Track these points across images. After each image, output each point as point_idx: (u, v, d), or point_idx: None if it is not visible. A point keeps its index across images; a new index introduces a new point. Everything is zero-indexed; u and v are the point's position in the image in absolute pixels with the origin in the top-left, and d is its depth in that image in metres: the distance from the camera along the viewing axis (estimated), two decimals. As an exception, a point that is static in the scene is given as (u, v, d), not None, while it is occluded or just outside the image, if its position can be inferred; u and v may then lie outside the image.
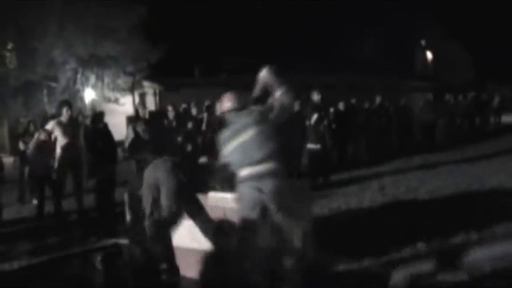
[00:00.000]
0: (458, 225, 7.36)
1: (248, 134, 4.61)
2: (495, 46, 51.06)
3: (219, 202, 5.61)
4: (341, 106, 15.08)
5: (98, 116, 10.76)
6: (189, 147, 11.35)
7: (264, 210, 4.53)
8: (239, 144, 4.66)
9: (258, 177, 4.51)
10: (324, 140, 11.46)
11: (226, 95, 5.20)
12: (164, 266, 5.70)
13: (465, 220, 7.67)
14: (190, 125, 12.14)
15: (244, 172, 4.60)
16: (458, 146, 17.44)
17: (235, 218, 4.95)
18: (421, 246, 6.46)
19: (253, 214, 4.56)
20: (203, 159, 6.06)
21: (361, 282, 5.54)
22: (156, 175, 5.53)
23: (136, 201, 5.97)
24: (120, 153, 10.98)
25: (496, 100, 25.56)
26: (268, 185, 4.49)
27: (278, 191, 4.50)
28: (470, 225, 7.26)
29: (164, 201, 5.43)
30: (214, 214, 5.61)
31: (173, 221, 5.44)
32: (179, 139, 11.35)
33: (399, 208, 8.89)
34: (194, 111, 13.20)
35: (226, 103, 5.11)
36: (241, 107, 5.00)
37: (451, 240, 6.73)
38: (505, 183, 10.57)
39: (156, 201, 5.54)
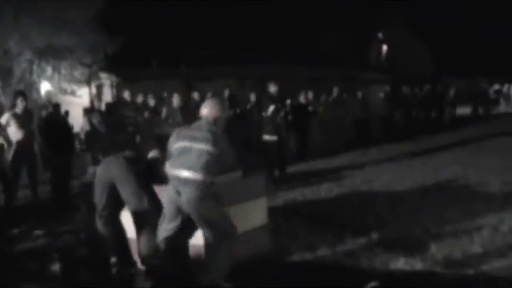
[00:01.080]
0: (413, 215, 7.55)
1: (198, 145, 4.73)
2: (451, 39, 52.18)
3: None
4: (298, 98, 15.15)
5: (55, 108, 10.58)
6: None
7: (179, 209, 4.80)
8: (187, 147, 4.78)
9: (183, 182, 4.71)
10: (280, 131, 11.48)
11: (215, 101, 5.31)
12: (114, 259, 5.68)
13: (419, 210, 7.87)
14: (146, 114, 12.07)
15: (176, 171, 4.79)
16: (414, 137, 17.76)
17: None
18: (375, 236, 6.58)
19: (169, 208, 4.90)
20: (154, 152, 6.00)
21: (315, 272, 5.62)
22: (110, 172, 5.48)
23: (90, 194, 5.91)
24: (77, 145, 10.84)
25: (451, 93, 26.10)
26: (186, 193, 4.68)
27: (192, 201, 4.69)
28: (424, 216, 7.45)
29: (128, 198, 5.41)
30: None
31: (150, 216, 5.40)
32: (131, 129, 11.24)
33: (355, 199, 9.01)
34: (151, 102, 13.11)
35: (215, 109, 5.06)
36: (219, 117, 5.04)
37: (405, 230, 6.88)
38: (459, 174, 10.86)
39: (109, 198, 5.50)
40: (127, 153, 5.66)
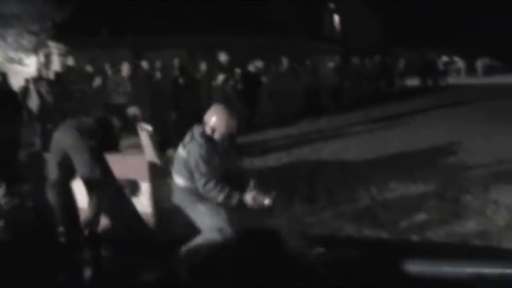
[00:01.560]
0: (360, 183, 7.64)
1: (191, 156, 4.39)
2: (401, 11, 52.73)
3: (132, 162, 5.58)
4: (248, 67, 15.07)
5: (2, 77, 10.28)
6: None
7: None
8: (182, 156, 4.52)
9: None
10: (230, 101, 11.44)
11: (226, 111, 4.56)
12: (62, 229, 5.56)
13: (367, 178, 7.96)
14: (96, 82, 11.83)
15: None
16: (364, 107, 17.92)
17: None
18: (323, 204, 6.63)
19: None
20: (133, 109, 5.89)
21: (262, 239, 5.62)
22: (62, 142, 5.35)
23: (39, 164, 5.78)
24: (24, 114, 10.54)
25: (401, 64, 26.46)
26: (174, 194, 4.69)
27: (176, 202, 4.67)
28: (371, 183, 7.55)
29: (80, 168, 5.29)
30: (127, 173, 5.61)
31: (102, 185, 5.30)
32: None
33: (304, 168, 9.05)
34: (109, 70, 12.88)
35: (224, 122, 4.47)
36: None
37: (353, 198, 6.97)
38: (407, 143, 11.05)
39: (61, 167, 5.38)
40: (78, 121, 5.52)
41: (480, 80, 35.03)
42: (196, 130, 4.48)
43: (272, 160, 9.70)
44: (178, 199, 4.61)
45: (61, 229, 5.58)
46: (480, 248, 5.20)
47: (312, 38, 37.29)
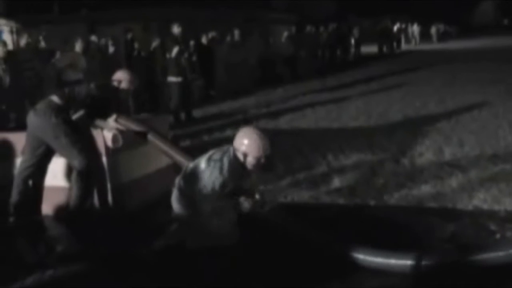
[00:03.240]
0: (316, 150, 7.70)
1: (211, 176, 4.13)
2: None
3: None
4: (201, 39, 14.95)
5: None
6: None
7: None
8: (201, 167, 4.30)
9: None
10: (185, 73, 11.35)
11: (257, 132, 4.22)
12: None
13: (322, 145, 8.04)
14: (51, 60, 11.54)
15: None
16: (319, 76, 18.00)
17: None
18: (280, 171, 6.66)
19: None
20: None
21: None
22: (33, 125, 5.28)
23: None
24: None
25: (355, 32, 26.61)
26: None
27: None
28: (327, 150, 7.61)
29: (60, 150, 5.31)
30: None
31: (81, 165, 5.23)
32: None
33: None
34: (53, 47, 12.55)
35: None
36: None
37: (309, 165, 7.02)
38: (362, 109, 11.20)
39: (34, 149, 5.33)
40: (47, 103, 5.39)
41: (435, 45, 35.50)
42: (228, 154, 4.18)
43: (229, 130, 9.67)
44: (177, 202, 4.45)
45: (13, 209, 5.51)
46: (435, 209, 5.30)
47: (266, 8, 37.15)
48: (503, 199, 5.40)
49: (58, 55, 11.87)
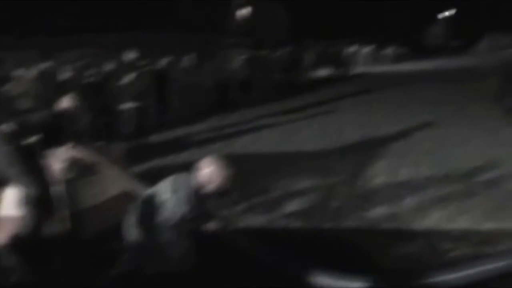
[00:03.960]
0: (271, 174, 7.72)
1: (171, 207, 4.12)
2: (311, 2, 53.61)
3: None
4: (157, 64, 14.91)
5: None
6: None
7: None
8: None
9: None
10: (140, 99, 11.29)
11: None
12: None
13: (277, 169, 8.08)
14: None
15: None
16: (274, 100, 18.07)
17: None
18: (235, 196, 6.65)
19: None
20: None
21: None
22: None
23: None
24: None
25: (310, 54, 26.89)
26: None
27: None
28: (282, 174, 7.65)
29: (13, 179, 5.10)
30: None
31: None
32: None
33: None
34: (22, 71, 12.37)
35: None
36: None
37: (265, 189, 7.03)
38: (316, 132, 11.33)
39: None
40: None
41: (388, 67, 36.12)
42: (190, 182, 4.22)
43: (184, 156, 9.63)
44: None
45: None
46: (390, 230, 5.37)
47: (221, 32, 37.39)
48: (456, 218, 5.52)
49: (11, 81, 11.70)
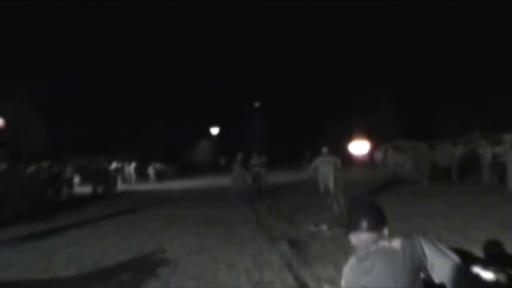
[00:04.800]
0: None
1: None
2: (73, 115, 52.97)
3: None
4: None
5: None
6: None
7: None
8: None
9: None
10: None
11: None
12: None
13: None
14: None
15: None
16: (27, 220, 16.72)
17: None
18: None
19: None
20: None
21: None
22: None
23: None
24: None
25: (69, 170, 25.99)
26: None
27: None
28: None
29: None
30: None
31: None
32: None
33: None
34: None
35: None
36: None
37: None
38: (74, 258, 10.63)
39: None
40: None
41: (153, 185, 36.35)
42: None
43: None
44: None
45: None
46: None
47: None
48: None
49: None
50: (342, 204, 13.92)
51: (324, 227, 12.09)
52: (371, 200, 4.11)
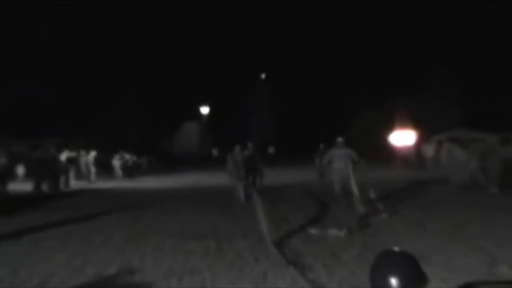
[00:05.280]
0: None
1: None
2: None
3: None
4: None
5: None
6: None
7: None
8: None
9: None
10: None
11: None
12: None
13: None
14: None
15: None
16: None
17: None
18: None
19: None
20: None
21: None
22: None
23: None
24: None
25: (1, 160, 25.97)
26: None
27: None
28: None
29: None
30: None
31: None
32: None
33: None
34: None
35: None
36: None
37: None
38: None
39: None
40: None
41: (120, 183, 36.53)
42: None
43: None
44: None
45: None
46: None
47: None
48: None
49: None
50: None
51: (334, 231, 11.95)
52: (404, 251, 3.67)
